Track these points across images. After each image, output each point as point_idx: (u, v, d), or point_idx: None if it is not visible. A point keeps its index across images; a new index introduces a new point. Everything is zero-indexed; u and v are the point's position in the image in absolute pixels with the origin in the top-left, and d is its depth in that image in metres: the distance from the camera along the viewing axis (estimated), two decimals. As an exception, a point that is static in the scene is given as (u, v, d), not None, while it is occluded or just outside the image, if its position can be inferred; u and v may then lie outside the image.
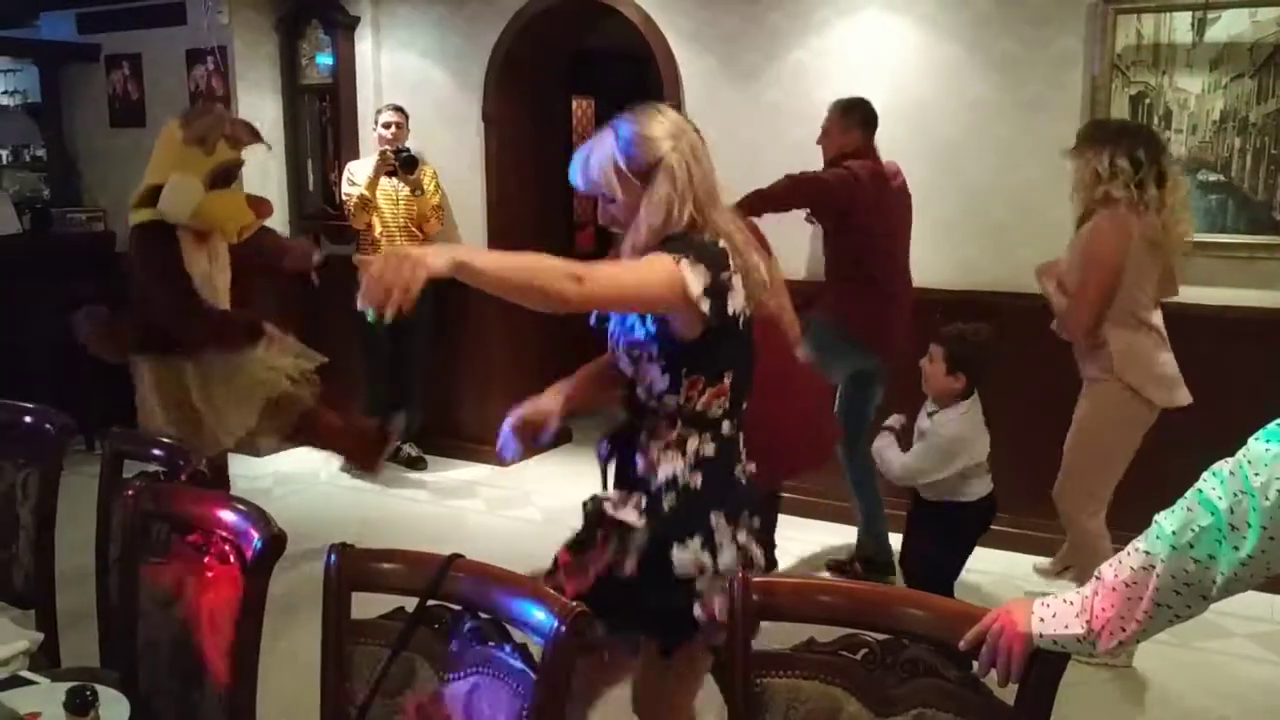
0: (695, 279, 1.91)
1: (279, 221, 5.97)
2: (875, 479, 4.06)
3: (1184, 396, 3.42)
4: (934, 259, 4.35)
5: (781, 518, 4.01)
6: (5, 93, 7.07)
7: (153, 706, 2.02)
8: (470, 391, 5.72)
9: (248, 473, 5.61)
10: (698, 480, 2.05)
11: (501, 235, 5.55)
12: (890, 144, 4.27)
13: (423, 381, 5.69)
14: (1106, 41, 4.10)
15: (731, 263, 2.00)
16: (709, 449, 2.06)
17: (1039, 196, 4.32)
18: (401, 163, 5.34)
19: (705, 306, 1.92)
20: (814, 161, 4.65)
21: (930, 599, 1.55)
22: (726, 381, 2.05)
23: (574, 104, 7.33)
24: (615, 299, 1.99)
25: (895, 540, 4.01)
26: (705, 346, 2.00)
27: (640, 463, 2.09)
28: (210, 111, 4.05)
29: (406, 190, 5.40)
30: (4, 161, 7.25)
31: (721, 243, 2.01)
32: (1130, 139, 3.36)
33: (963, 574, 3.47)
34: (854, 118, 4.08)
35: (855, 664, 1.56)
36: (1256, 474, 1.24)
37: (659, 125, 2.03)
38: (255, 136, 4.00)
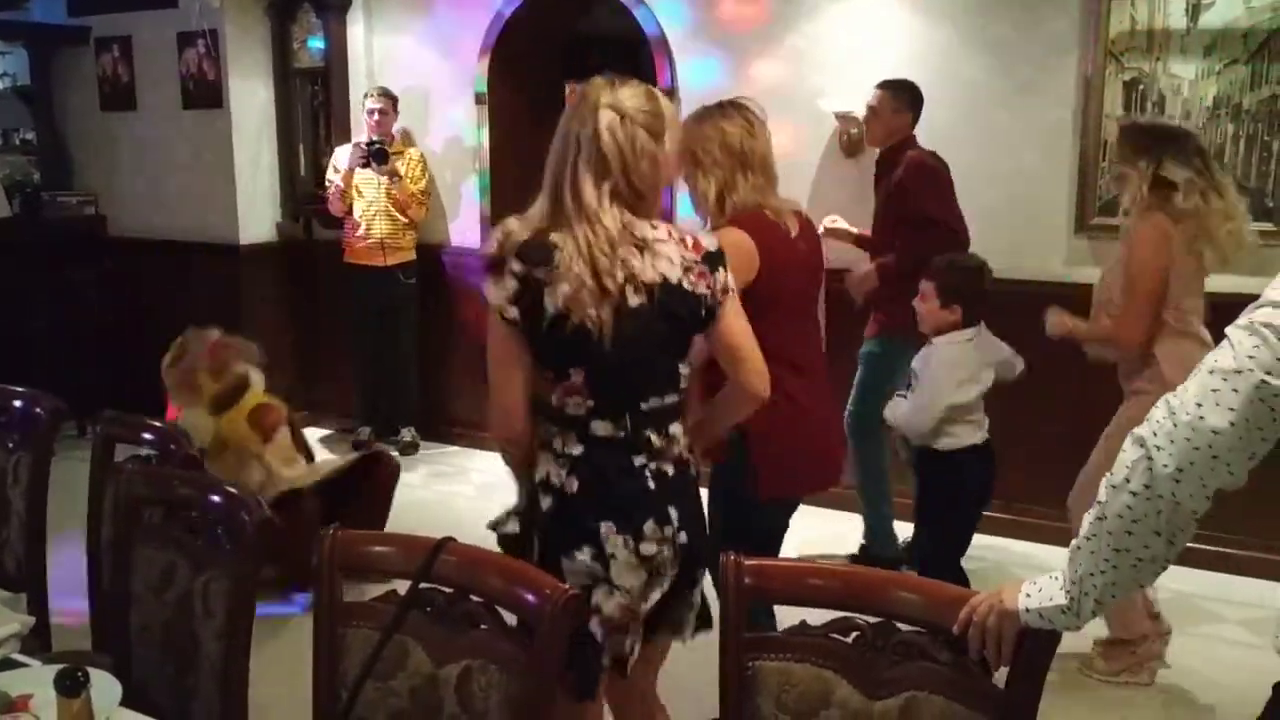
0: (495, 291, 1.93)
1: (271, 207, 5.97)
2: (885, 473, 4.04)
3: None
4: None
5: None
6: (-5, 75, 7.01)
7: (147, 691, 2.02)
8: (463, 377, 5.71)
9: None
10: (574, 485, 1.97)
11: (496, 220, 5.53)
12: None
13: (412, 368, 5.67)
14: (1100, 26, 4.10)
15: (558, 258, 1.89)
16: (575, 449, 1.98)
17: (1031, 182, 4.32)
18: (372, 155, 5.28)
19: (512, 314, 1.92)
20: (808, 147, 4.67)
21: (923, 583, 1.55)
22: (576, 379, 1.95)
23: (567, 89, 7.30)
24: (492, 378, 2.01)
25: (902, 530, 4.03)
26: (539, 341, 1.95)
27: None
28: (186, 353, 4.02)
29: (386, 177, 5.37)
30: (-6, 146, 7.20)
31: (554, 236, 1.92)
32: (1179, 144, 3.17)
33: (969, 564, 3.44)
34: (904, 98, 4.03)
35: (847, 647, 1.56)
36: (1179, 400, 1.30)
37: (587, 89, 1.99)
38: (236, 355, 3.99)
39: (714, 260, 2.01)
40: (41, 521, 2.54)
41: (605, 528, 1.96)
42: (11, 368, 5.63)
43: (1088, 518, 1.40)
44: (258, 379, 4.06)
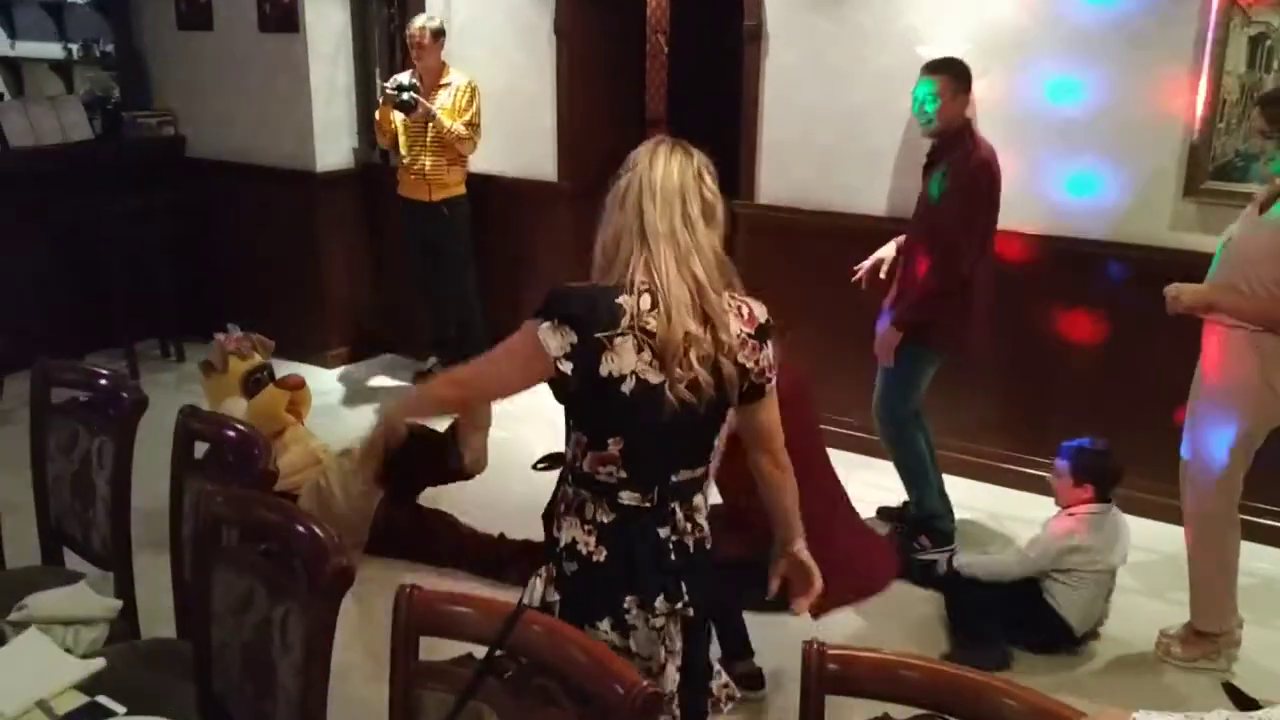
0: (554, 341, 1.85)
1: (347, 133, 5.89)
2: (929, 462, 3.94)
3: None
4: (1020, 201, 4.12)
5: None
6: (74, -12, 6.99)
7: (225, 705, 2.06)
8: (531, 308, 5.65)
9: (318, 387, 5.63)
10: (601, 554, 1.94)
11: (571, 155, 5.39)
12: (983, 78, 4.02)
13: (471, 300, 5.52)
14: (1226, -25, 3.79)
15: (625, 322, 1.83)
16: (606, 517, 1.94)
17: (1140, 141, 4.05)
18: (398, 105, 5.08)
19: (566, 368, 1.84)
20: (898, 93, 4.44)
21: (1024, 691, 1.48)
22: (613, 449, 1.90)
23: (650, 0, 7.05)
24: (482, 388, 2.05)
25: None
26: (580, 406, 1.91)
27: (554, 520, 2.02)
28: (215, 340, 4.39)
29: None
30: (75, 56, 7.20)
31: (623, 299, 1.84)
32: None
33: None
34: (964, 80, 3.70)
35: (932, 748, 1.51)
36: None
37: (643, 149, 1.96)
38: (253, 345, 4.35)
39: (764, 333, 1.95)
40: (125, 508, 2.59)
41: (629, 600, 1.94)
42: (95, 288, 5.73)
43: None
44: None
